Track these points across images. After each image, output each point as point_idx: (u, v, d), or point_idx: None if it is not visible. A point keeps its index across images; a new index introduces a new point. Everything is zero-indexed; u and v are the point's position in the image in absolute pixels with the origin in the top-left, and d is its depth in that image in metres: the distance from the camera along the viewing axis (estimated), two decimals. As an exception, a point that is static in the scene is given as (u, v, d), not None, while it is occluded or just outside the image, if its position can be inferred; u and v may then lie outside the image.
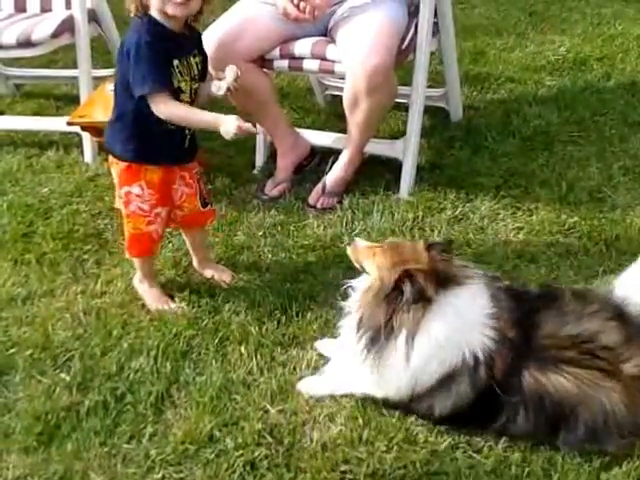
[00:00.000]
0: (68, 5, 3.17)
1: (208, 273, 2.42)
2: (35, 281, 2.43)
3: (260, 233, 2.63)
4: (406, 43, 2.64)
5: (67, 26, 3.05)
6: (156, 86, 1.96)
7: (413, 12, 2.71)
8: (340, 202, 2.78)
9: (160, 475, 1.78)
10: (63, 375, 2.06)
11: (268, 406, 1.94)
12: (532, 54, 3.93)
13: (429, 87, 3.03)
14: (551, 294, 1.91)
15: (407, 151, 2.82)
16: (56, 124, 3.20)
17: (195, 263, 2.45)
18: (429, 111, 3.14)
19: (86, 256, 2.55)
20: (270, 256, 2.52)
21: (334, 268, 2.40)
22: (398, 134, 3.10)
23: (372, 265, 1.81)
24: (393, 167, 2.88)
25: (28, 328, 2.24)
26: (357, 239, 1.97)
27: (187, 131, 2.13)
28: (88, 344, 2.17)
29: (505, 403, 1.75)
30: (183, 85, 2.03)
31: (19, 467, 1.81)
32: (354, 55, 2.51)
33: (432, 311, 1.70)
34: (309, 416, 1.91)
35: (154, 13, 1.97)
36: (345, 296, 1.93)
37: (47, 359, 2.12)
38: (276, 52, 2.69)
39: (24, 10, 3.28)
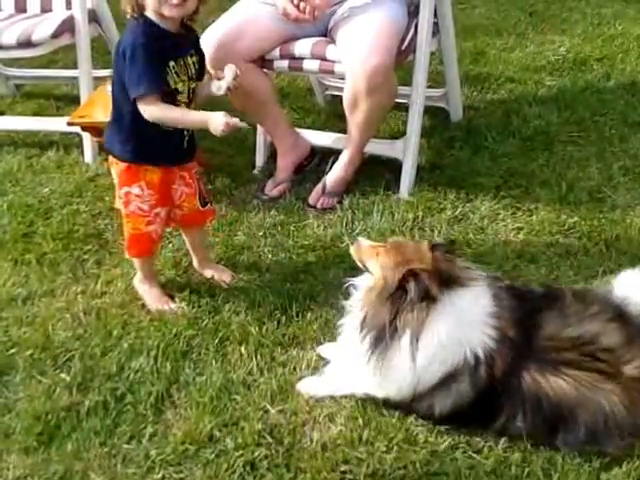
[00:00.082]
0: (68, 5, 3.17)
1: (208, 273, 2.42)
2: (35, 281, 2.43)
3: (260, 233, 2.63)
4: (406, 43, 2.64)
5: (67, 26, 3.05)
6: (151, 87, 1.95)
7: (413, 12, 2.71)
8: (340, 202, 2.78)
9: (160, 475, 1.78)
10: (63, 375, 2.06)
11: (268, 406, 1.94)
12: (532, 54, 3.93)
13: (429, 87, 3.03)
14: (553, 294, 1.91)
15: (407, 151, 2.82)
16: (56, 124, 3.20)
17: (195, 263, 2.45)
18: (429, 111, 3.14)
19: (86, 256, 2.55)
20: (270, 256, 2.52)
21: (334, 268, 2.41)
22: (398, 134, 3.10)
23: (375, 265, 1.81)
24: (393, 167, 2.88)
25: (28, 328, 2.24)
26: (360, 238, 1.95)
27: (186, 132, 2.13)
28: (88, 344, 2.17)
29: (505, 403, 1.75)
30: (180, 86, 2.03)
31: (19, 467, 1.81)
32: (354, 55, 2.51)
33: (436, 311, 1.70)
34: (309, 416, 1.91)
35: (150, 14, 1.97)
36: (347, 295, 1.92)
37: (47, 359, 2.12)
38: (276, 52, 2.69)
39: (24, 10, 3.28)
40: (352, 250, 1.92)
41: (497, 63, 3.84)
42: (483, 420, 1.80)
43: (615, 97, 3.43)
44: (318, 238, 2.59)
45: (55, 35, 2.99)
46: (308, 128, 3.15)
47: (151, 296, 2.32)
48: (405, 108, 2.92)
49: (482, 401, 1.76)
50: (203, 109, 2.07)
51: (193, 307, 2.28)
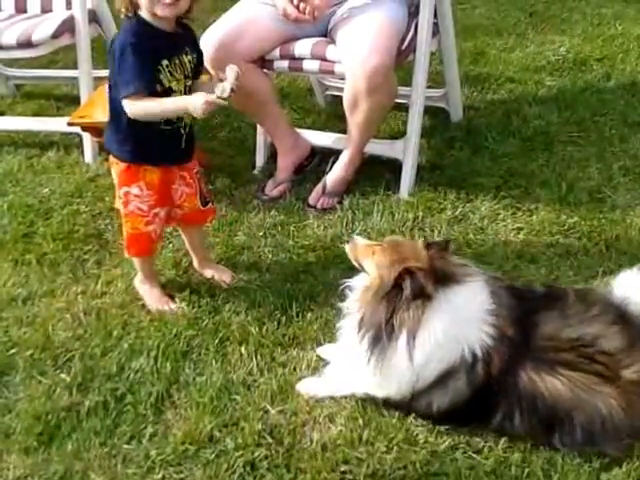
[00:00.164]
0: (68, 6, 3.17)
1: (208, 273, 2.42)
2: (35, 281, 2.43)
3: (260, 233, 2.63)
4: (406, 44, 2.64)
5: (67, 27, 3.05)
6: (139, 87, 1.95)
7: (413, 12, 2.71)
8: (340, 202, 2.78)
9: (160, 475, 1.78)
10: (63, 375, 2.07)
11: (268, 406, 1.94)
12: (532, 54, 3.93)
13: (429, 87, 3.03)
14: (554, 294, 1.91)
15: (407, 151, 2.82)
16: (56, 124, 3.21)
17: (195, 263, 2.45)
18: (429, 111, 3.14)
19: (86, 256, 2.55)
20: (270, 256, 2.52)
21: (334, 268, 2.40)
22: (398, 134, 3.10)
23: (371, 263, 1.81)
24: (393, 167, 2.88)
25: (28, 328, 2.24)
26: (356, 237, 1.95)
27: (183, 130, 2.12)
28: (88, 344, 2.17)
29: (501, 401, 1.75)
30: (174, 85, 2.02)
31: (19, 467, 1.81)
32: (354, 56, 2.52)
33: (432, 308, 1.70)
34: (309, 417, 1.91)
35: (144, 13, 1.98)
36: (344, 297, 1.92)
37: (47, 359, 2.12)
38: (276, 53, 2.69)
39: (24, 11, 3.28)
40: (348, 249, 1.92)
41: (497, 63, 3.84)
42: (480, 418, 1.80)
43: (615, 97, 3.43)
44: (318, 238, 2.59)
45: (55, 35, 2.99)
46: (308, 128, 3.15)
47: (151, 296, 2.32)
48: (405, 108, 2.92)
49: (478, 399, 1.76)
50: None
51: (193, 307, 2.28)
